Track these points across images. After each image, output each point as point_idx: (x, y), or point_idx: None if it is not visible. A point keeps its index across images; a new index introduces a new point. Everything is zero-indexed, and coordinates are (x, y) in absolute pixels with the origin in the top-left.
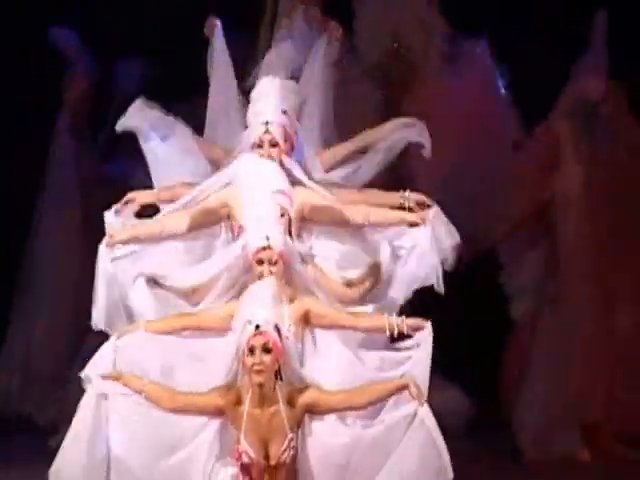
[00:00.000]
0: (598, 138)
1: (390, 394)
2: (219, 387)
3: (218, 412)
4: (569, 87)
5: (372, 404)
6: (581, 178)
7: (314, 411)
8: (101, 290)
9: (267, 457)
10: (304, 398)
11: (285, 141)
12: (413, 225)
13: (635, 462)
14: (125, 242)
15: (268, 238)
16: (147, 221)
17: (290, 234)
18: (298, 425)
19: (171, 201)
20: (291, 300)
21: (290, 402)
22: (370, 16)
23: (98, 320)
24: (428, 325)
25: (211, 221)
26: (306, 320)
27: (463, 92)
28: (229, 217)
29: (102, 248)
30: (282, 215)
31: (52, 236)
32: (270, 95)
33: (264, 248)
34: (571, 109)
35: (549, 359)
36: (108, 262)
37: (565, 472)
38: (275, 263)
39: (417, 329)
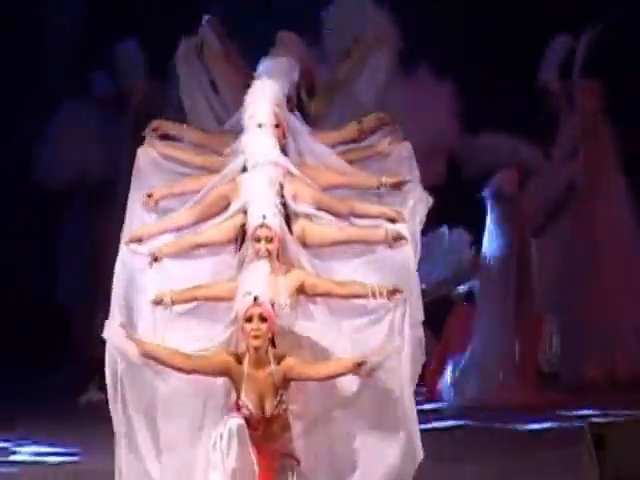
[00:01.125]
0: None
1: (348, 371)
2: (222, 351)
3: (224, 372)
4: None
5: (334, 378)
6: None
7: (294, 379)
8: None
9: (263, 410)
10: (290, 365)
11: (277, 126)
12: (392, 220)
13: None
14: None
15: (265, 217)
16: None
17: (282, 197)
18: (287, 384)
19: (190, 142)
20: (286, 273)
21: (279, 365)
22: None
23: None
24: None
25: (214, 212)
26: (301, 290)
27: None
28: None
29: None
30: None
31: None
32: (263, 97)
33: (261, 226)
34: None
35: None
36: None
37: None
38: (271, 240)
39: (394, 293)
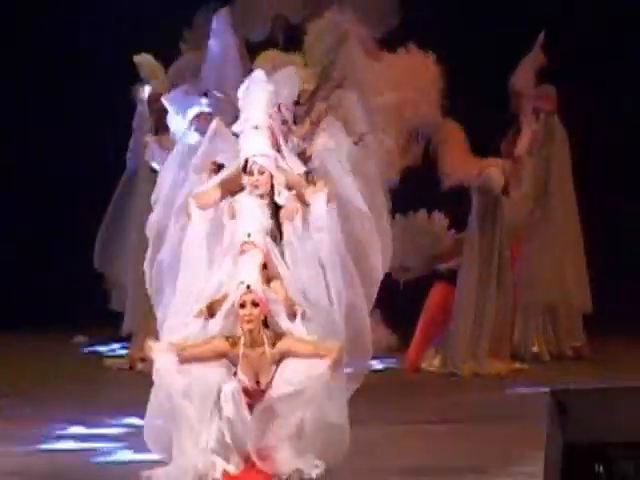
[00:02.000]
0: None
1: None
2: (219, 337)
3: (222, 355)
4: None
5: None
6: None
7: (286, 356)
8: None
9: (258, 383)
10: (283, 345)
11: (284, 122)
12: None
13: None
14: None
15: (249, 235)
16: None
17: (272, 188)
18: (279, 362)
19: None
20: (268, 281)
21: (273, 345)
22: None
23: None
24: None
25: (233, 188)
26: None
27: None
28: None
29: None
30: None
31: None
32: (258, 100)
33: (246, 243)
34: None
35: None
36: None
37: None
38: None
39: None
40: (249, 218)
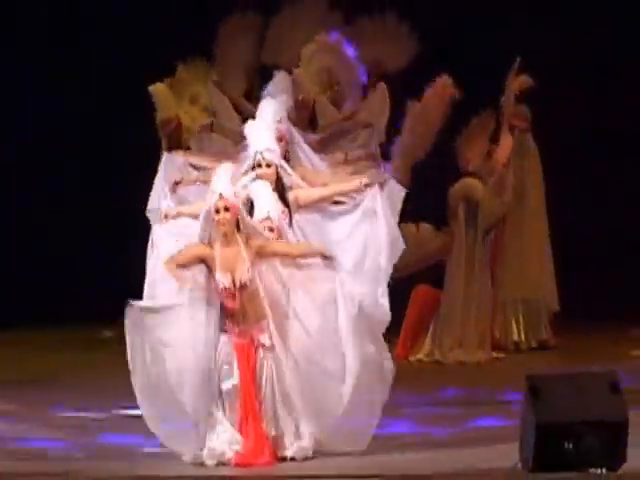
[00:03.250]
0: None
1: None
2: (198, 243)
3: (201, 259)
4: None
5: (304, 257)
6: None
7: (261, 253)
8: None
9: (234, 283)
10: (256, 242)
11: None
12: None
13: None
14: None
15: (268, 212)
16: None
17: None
18: (253, 261)
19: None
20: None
21: (247, 244)
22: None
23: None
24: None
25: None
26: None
27: None
28: None
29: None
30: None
31: None
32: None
33: (266, 219)
34: None
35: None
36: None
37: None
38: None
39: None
40: (266, 200)
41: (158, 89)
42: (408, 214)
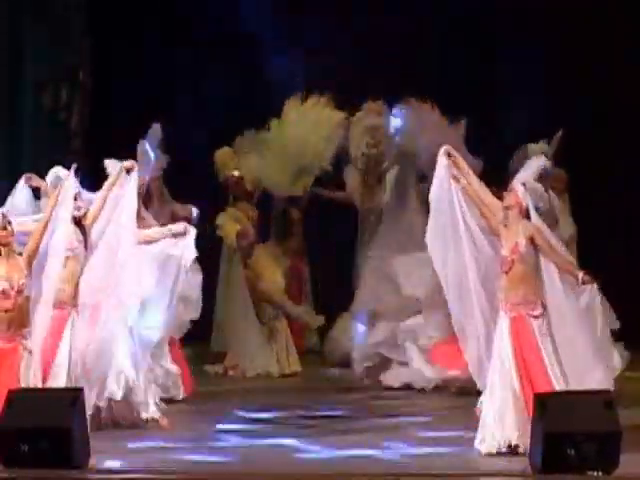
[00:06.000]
0: None
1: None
2: None
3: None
4: None
5: None
6: None
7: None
8: None
9: (12, 286)
10: None
11: None
12: None
13: None
14: None
15: None
16: None
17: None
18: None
19: None
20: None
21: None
22: None
23: None
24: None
25: None
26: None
27: None
28: None
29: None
30: None
31: None
32: None
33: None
34: None
35: None
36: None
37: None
38: None
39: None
40: None
41: (220, 153)
42: None
